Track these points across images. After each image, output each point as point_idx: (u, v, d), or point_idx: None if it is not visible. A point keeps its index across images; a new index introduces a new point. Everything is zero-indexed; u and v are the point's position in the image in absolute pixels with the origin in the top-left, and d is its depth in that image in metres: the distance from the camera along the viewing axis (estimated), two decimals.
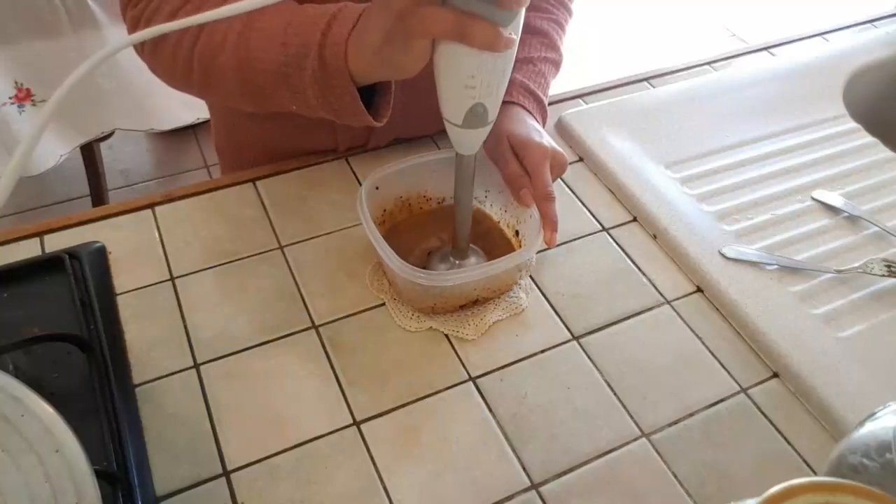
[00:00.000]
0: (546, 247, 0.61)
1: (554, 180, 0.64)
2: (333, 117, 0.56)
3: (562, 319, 0.62)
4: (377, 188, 0.64)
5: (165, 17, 0.57)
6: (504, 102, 0.67)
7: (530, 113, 0.68)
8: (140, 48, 0.62)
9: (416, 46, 0.46)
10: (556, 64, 0.75)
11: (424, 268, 0.63)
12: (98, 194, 1.63)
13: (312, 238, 0.67)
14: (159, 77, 0.63)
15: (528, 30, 0.73)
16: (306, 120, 0.62)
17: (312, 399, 0.55)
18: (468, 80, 0.45)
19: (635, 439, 0.55)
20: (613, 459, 0.53)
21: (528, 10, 0.74)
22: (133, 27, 0.60)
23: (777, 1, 2.73)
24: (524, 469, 0.53)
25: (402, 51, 0.47)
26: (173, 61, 0.59)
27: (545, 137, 0.64)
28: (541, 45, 0.73)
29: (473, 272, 0.58)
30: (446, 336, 0.60)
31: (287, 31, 0.53)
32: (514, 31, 0.43)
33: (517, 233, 0.66)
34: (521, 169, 0.62)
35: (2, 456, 0.39)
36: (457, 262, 0.62)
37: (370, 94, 0.56)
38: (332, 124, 0.71)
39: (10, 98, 1.31)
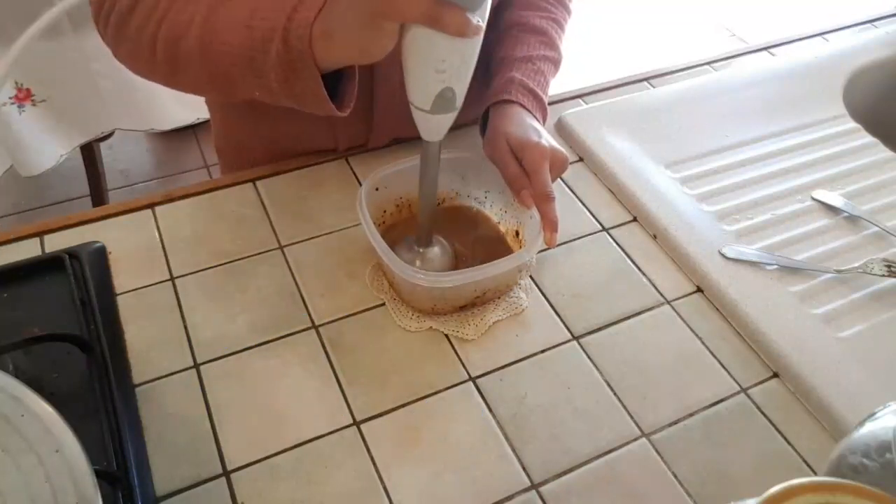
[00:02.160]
0: (546, 247, 0.61)
1: (554, 179, 0.64)
2: (296, 104, 0.56)
3: (562, 319, 0.62)
4: (377, 189, 0.64)
5: None
6: (504, 101, 0.67)
7: (530, 112, 0.68)
8: (104, 31, 0.61)
9: (386, 29, 0.46)
10: (556, 63, 0.75)
11: None
12: (98, 194, 1.63)
13: (312, 238, 0.67)
14: (122, 62, 0.62)
15: (527, 28, 0.73)
16: (306, 120, 0.62)
17: (312, 399, 0.55)
18: (439, 63, 0.46)
19: (635, 439, 0.55)
20: (613, 459, 0.53)
21: (526, 9, 0.74)
22: (98, 9, 0.59)
23: (777, 1, 2.73)
24: (524, 469, 0.53)
25: (372, 34, 0.47)
26: (137, 45, 0.58)
27: (544, 137, 0.64)
28: (540, 44, 0.72)
29: (473, 273, 0.58)
30: (446, 336, 0.60)
31: (253, 15, 0.53)
32: (482, 18, 0.44)
33: (517, 234, 0.66)
34: (520, 170, 0.62)
35: (2, 456, 0.39)
36: (420, 249, 0.62)
37: (335, 85, 0.55)
38: (331, 124, 0.71)
39: (10, 98, 1.31)
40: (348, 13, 0.48)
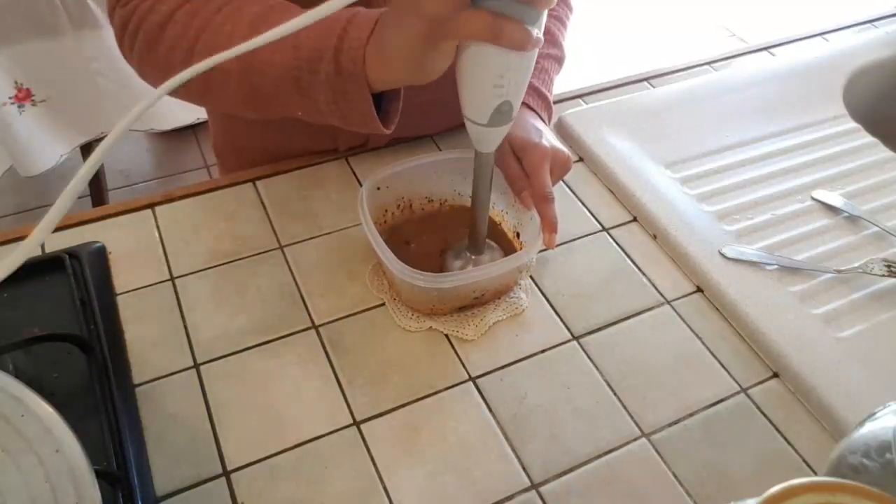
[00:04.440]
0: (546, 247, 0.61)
1: (557, 180, 0.64)
2: (342, 124, 0.55)
3: (562, 319, 0.62)
4: (378, 188, 0.64)
5: (161, 17, 0.55)
6: None
7: (534, 111, 0.68)
8: (129, 51, 0.59)
9: (443, 49, 0.46)
10: (560, 60, 0.74)
11: (441, 265, 0.63)
12: (98, 194, 1.63)
13: (312, 238, 0.67)
14: (149, 82, 0.61)
15: None
16: (306, 121, 0.61)
17: (312, 399, 0.55)
18: (497, 79, 0.46)
19: (635, 439, 0.55)
20: (613, 459, 0.53)
21: None
22: (122, 28, 0.58)
23: (777, 1, 2.73)
24: (524, 469, 0.53)
25: (429, 54, 0.46)
26: (167, 65, 0.56)
27: (545, 137, 0.64)
28: (543, 43, 0.72)
29: (472, 274, 0.58)
30: (446, 336, 0.60)
31: (299, 34, 0.51)
32: (539, 30, 0.44)
33: (518, 234, 0.66)
34: (521, 170, 0.62)
35: (2, 456, 0.39)
36: (473, 257, 0.62)
37: (378, 101, 0.55)
38: (332, 125, 0.71)
39: (10, 98, 1.31)
40: (402, 33, 0.46)
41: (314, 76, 0.52)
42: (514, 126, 0.64)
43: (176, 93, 0.61)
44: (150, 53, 0.57)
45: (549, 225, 0.59)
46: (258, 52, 0.53)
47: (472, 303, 0.61)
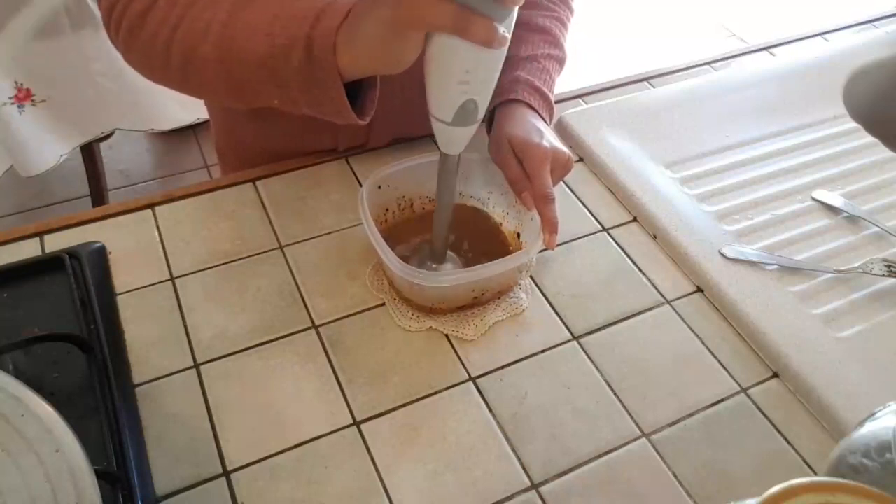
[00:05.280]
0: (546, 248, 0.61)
1: (558, 181, 0.63)
2: (317, 113, 0.55)
3: (562, 319, 0.62)
4: (379, 187, 0.63)
5: (144, 4, 0.56)
6: (510, 100, 0.67)
7: (536, 111, 0.68)
8: (115, 36, 0.60)
9: (412, 39, 0.46)
10: (561, 61, 0.75)
11: None
12: (98, 194, 1.63)
13: (312, 238, 0.67)
14: (134, 67, 0.61)
15: (531, 28, 0.73)
16: (306, 120, 0.61)
17: (312, 399, 0.55)
18: (463, 75, 0.46)
19: (635, 439, 0.55)
20: (613, 459, 0.53)
21: (529, 8, 0.74)
22: (108, 14, 0.58)
23: (777, 1, 2.73)
24: (524, 469, 0.53)
25: (397, 44, 0.47)
26: (150, 50, 0.57)
27: (546, 137, 0.64)
28: (544, 43, 0.72)
29: (472, 273, 0.58)
30: (446, 336, 0.60)
31: (274, 23, 0.52)
32: (507, 29, 0.44)
33: (518, 235, 0.66)
34: (522, 171, 0.62)
35: (2, 456, 0.39)
36: (434, 266, 0.62)
37: (355, 93, 0.55)
38: (332, 124, 0.71)
39: (10, 98, 1.31)
40: (373, 22, 0.47)
41: (287, 64, 0.52)
42: (516, 126, 0.64)
43: (161, 80, 0.61)
44: (133, 40, 0.58)
45: (549, 225, 0.59)
46: (234, 41, 0.54)
47: (472, 303, 0.61)
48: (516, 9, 0.44)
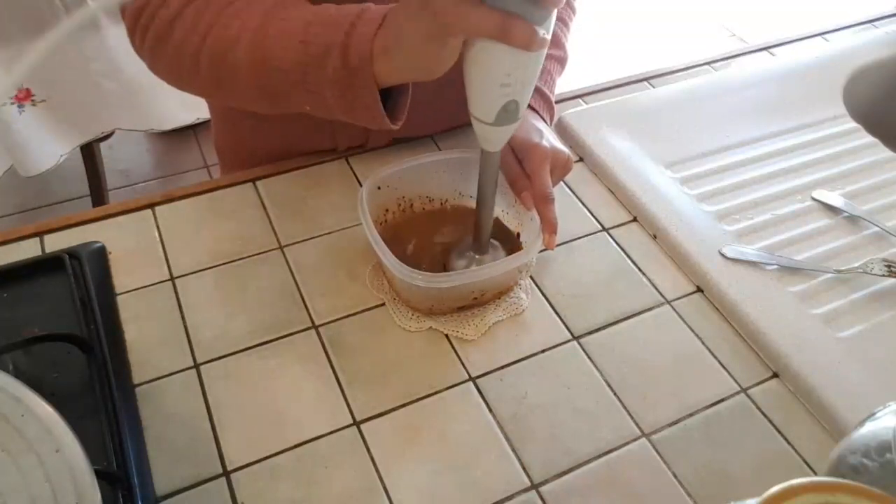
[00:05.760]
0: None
1: (558, 181, 0.63)
2: (350, 119, 0.55)
3: (562, 319, 0.62)
4: (379, 188, 0.63)
5: (172, 12, 0.56)
6: None
7: (536, 111, 0.68)
8: (140, 45, 0.59)
9: (450, 45, 0.46)
10: (562, 61, 0.74)
11: (446, 264, 0.63)
12: (98, 194, 1.63)
13: (312, 238, 0.67)
14: (160, 76, 0.61)
15: None
16: (306, 120, 0.61)
17: (312, 399, 0.55)
18: (504, 78, 0.46)
19: (635, 439, 0.55)
20: (613, 459, 0.53)
21: None
22: (134, 22, 0.58)
23: (777, 1, 2.73)
24: (524, 469, 0.53)
25: (435, 50, 0.46)
26: (179, 57, 0.57)
27: (546, 138, 0.64)
28: None
29: (471, 274, 0.58)
30: (446, 336, 0.60)
31: (308, 30, 0.52)
32: (547, 31, 0.44)
33: (518, 235, 0.66)
34: (522, 171, 0.62)
35: (2, 456, 0.39)
36: (477, 256, 0.62)
37: (385, 97, 0.55)
38: (331, 124, 0.71)
39: (10, 98, 1.31)
40: (410, 29, 0.47)
41: (321, 71, 0.52)
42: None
43: (189, 88, 0.61)
44: (161, 47, 0.58)
45: (548, 226, 0.59)
46: (267, 48, 0.54)
47: (472, 303, 0.61)
48: (555, 11, 0.44)
